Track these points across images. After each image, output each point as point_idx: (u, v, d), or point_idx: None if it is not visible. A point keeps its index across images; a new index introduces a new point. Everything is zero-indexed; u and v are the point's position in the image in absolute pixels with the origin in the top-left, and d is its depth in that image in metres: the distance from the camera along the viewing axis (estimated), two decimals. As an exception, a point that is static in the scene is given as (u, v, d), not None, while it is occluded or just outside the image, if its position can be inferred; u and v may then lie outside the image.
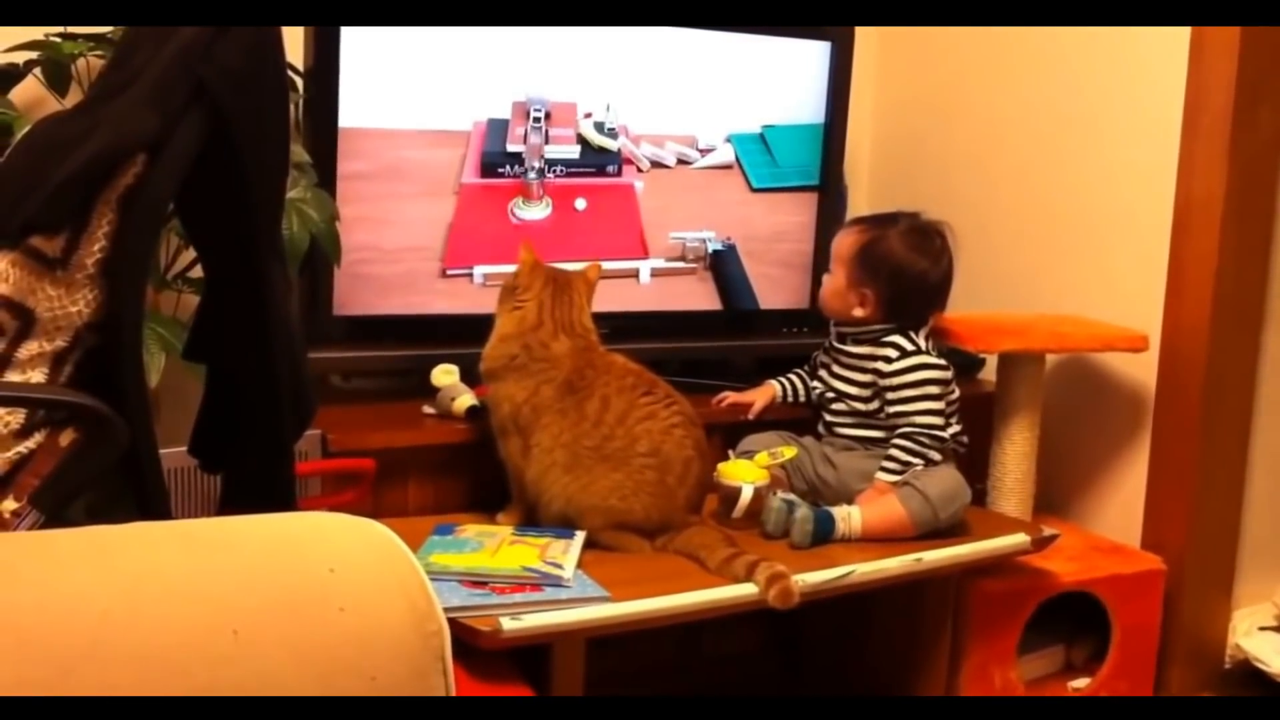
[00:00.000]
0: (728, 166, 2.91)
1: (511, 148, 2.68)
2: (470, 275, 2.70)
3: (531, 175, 2.68)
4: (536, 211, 2.70)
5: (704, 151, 2.87)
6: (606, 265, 2.68)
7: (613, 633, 2.12)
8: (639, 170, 2.81)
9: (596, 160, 2.74)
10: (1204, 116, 2.76)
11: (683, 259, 2.90)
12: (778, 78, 2.96)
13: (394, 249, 2.63)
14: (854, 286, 2.62)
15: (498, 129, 2.69)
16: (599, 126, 2.76)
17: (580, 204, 2.76)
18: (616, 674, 2.48)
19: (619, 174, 2.78)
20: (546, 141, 2.71)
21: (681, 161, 2.85)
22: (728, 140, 2.91)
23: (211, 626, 1.10)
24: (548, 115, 2.71)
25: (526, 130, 2.69)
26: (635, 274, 2.83)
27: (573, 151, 2.72)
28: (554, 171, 2.72)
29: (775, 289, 3.03)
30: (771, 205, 2.98)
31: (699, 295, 2.93)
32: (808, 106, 3.01)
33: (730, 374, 2.94)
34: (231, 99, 1.59)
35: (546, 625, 2.02)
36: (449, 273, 2.68)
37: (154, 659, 1.06)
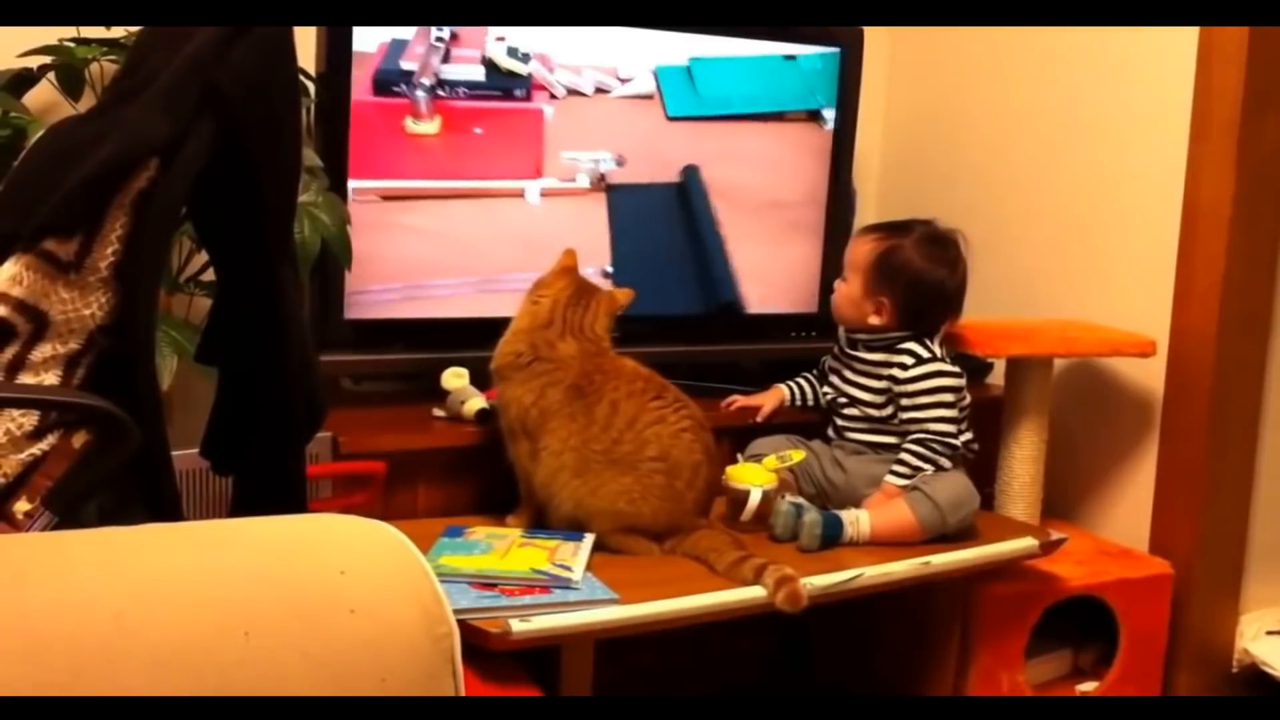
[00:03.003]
0: (648, 96, 2.84)
1: (406, 65, 2.59)
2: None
3: (420, 93, 2.59)
4: (427, 127, 2.61)
5: (624, 80, 2.80)
6: (495, 184, 2.64)
7: (621, 635, 2.13)
8: (553, 97, 2.73)
9: (503, 84, 2.66)
10: (1212, 122, 2.76)
11: (574, 181, 2.80)
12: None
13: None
14: (870, 295, 2.62)
15: (398, 48, 2.60)
16: (511, 51, 2.69)
17: (478, 129, 2.67)
18: (625, 676, 2.48)
19: (528, 99, 2.69)
20: (446, 61, 2.63)
21: (600, 90, 2.79)
22: (652, 73, 2.84)
23: (222, 628, 1.11)
24: (454, 36, 2.63)
25: (426, 49, 2.61)
26: (521, 193, 2.73)
27: (477, 73, 2.64)
28: (456, 92, 2.64)
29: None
30: (689, 134, 2.91)
31: (588, 218, 2.82)
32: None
33: (738, 378, 2.95)
34: (243, 104, 1.60)
35: (555, 627, 2.03)
36: None
37: (165, 660, 1.07)
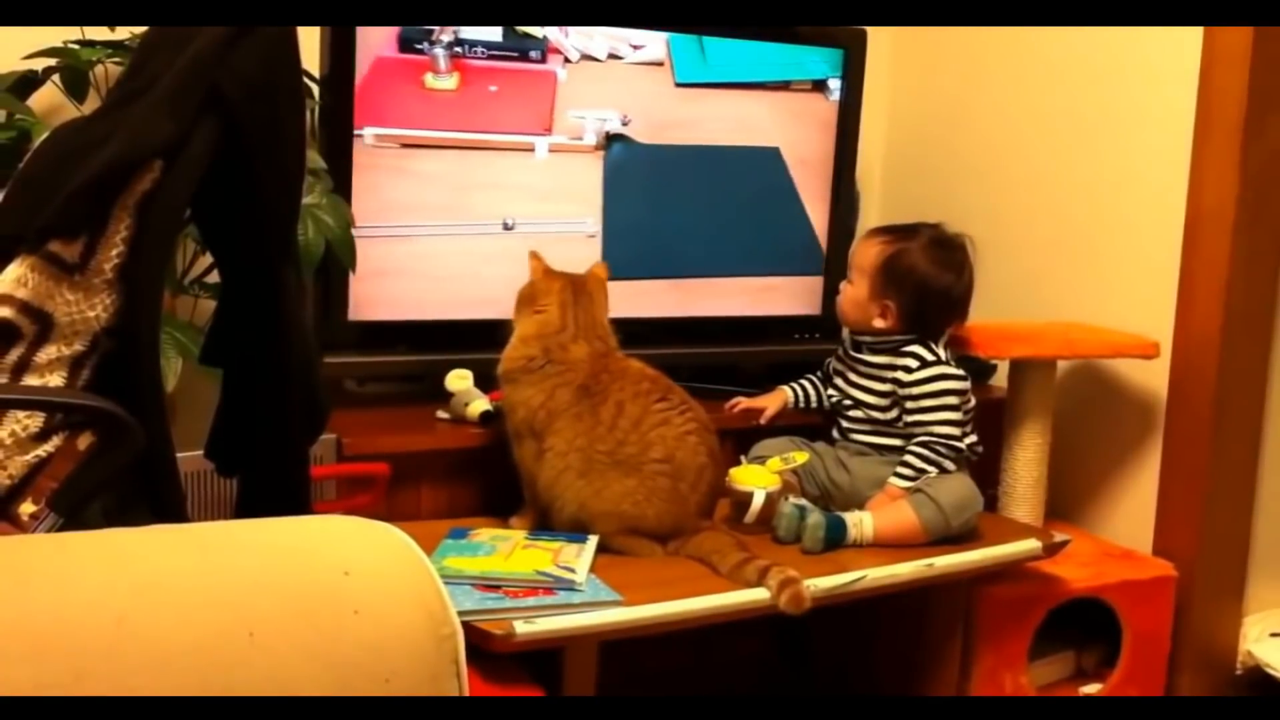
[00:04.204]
0: (658, 64, 2.88)
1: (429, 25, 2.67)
2: (360, 135, 2.63)
3: (438, 50, 2.66)
4: (445, 83, 2.69)
5: (636, 47, 2.85)
6: (505, 138, 2.74)
7: (625, 636, 2.12)
8: (566, 60, 2.79)
9: (519, 45, 2.74)
10: (1215, 125, 2.76)
11: (581, 138, 2.85)
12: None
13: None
14: (876, 298, 2.62)
15: None
16: None
17: (493, 87, 2.75)
18: (628, 678, 2.49)
19: (543, 60, 2.77)
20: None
21: (613, 56, 2.84)
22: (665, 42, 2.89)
23: (227, 629, 1.11)
24: None
25: None
26: (531, 149, 2.79)
27: (495, 33, 2.71)
28: (474, 52, 2.70)
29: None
30: (692, 99, 2.94)
31: (589, 174, 2.87)
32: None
33: (742, 380, 2.95)
34: (247, 105, 1.60)
35: (559, 629, 2.03)
36: None
37: (169, 662, 1.07)
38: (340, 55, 2.54)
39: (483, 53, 2.70)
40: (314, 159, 2.37)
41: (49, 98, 2.45)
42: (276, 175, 1.69)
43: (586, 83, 2.81)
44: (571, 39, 2.77)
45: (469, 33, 2.67)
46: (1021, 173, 3.24)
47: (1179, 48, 2.82)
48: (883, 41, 3.43)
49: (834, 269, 3.03)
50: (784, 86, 3.00)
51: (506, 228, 2.77)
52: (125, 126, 1.55)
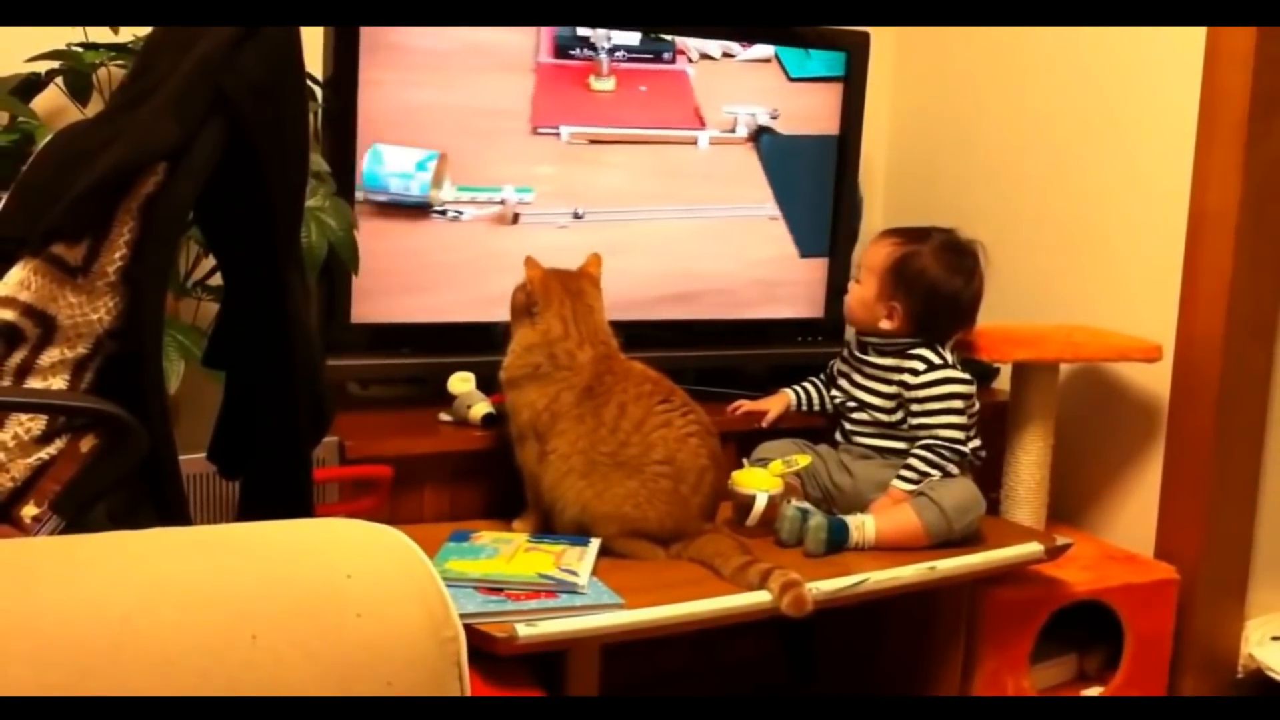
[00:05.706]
0: (767, 60, 3.02)
1: (581, 32, 2.83)
2: (558, 134, 2.83)
3: (601, 55, 2.84)
4: (606, 85, 2.89)
5: (745, 45, 3.00)
6: (669, 133, 2.96)
7: (627, 639, 2.12)
8: (690, 60, 2.95)
9: (654, 48, 2.91)
10: (1218, 127, 2.76)
11: (733, 130, 3.03)
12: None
13: (484, 110, 2.75)
14: (884, 299, 2.62)
15: None
16: None
17: (642, 87, 2.94)
18: (631, 681, 2.49)
19: (673, 61, 2.95)
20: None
21: (726, 55, 2.99)
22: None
23: (230, 631, 1.11)
24: None
25: None
26: (694, 141, 2.98)
27: (634, 38, 2.88)
28: (618, 55, 2.88)
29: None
30: (806, 92, 3.09)
31: (748, 167, 3.04)
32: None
33: (744, 382, 2.94)
34: (252, 108, 1.60)
35: (561, 632, 2.03)
36: (539, 131, 2.81)
37: (173, 663, 1.08)
38: (344, 56, 2.54)
39: (624, 55, 2.88)
40: (317, 161, 2.37)
41: (52, 100, 2.45)
42: (280, 177, 1.69)
43: (713, 80, 2.98)
44: (691, 40, 2.96)
45: (615, 38, 2.87)
46: (1022, 175, 3.24)
47: (1182, 47, 2.82)
48: (884, 42, 3.43)
49: (836, 270, 3.03)
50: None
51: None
52: (130, 129, 1.55)
